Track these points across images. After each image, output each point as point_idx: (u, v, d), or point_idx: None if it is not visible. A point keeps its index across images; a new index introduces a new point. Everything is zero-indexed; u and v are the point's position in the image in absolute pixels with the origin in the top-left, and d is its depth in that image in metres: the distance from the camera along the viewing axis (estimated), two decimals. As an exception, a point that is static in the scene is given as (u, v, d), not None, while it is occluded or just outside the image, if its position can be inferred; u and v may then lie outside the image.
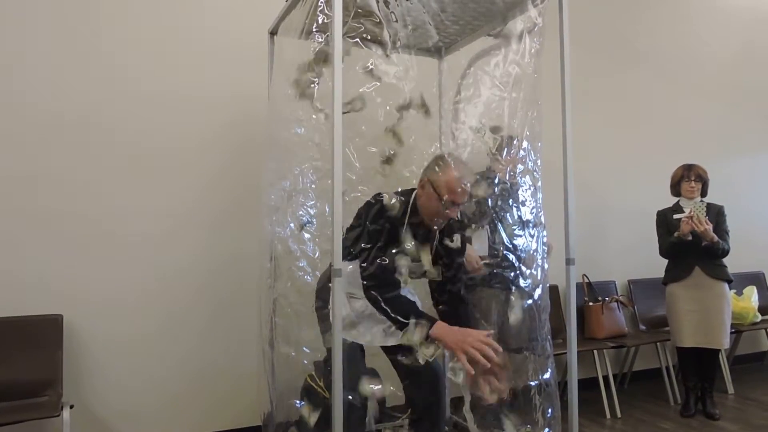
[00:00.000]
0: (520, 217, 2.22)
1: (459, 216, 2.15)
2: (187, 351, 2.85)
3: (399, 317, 1.96)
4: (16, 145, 2.59)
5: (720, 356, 3.56)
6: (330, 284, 2.17)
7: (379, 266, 2.00)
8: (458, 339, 1.88)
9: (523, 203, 2.24)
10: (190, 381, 2.85)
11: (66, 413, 2.30)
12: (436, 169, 2.06)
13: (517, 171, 2.19)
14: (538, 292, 2.23)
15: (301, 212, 2.29)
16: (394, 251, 2.03)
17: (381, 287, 2.00)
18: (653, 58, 4.30)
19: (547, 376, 2.19)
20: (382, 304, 1.98)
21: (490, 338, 1.92)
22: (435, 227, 2.14)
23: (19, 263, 2.57)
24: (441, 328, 1.92)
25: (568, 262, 2.18)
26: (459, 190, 2.01)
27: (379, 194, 2.11)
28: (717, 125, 4.53)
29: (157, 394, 2.78)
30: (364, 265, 2.02)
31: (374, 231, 2.01)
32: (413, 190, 2.17)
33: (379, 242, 2.02)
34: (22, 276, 2.57)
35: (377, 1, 2.00)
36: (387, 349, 2.25)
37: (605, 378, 3.45)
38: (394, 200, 2.06)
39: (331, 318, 2.10)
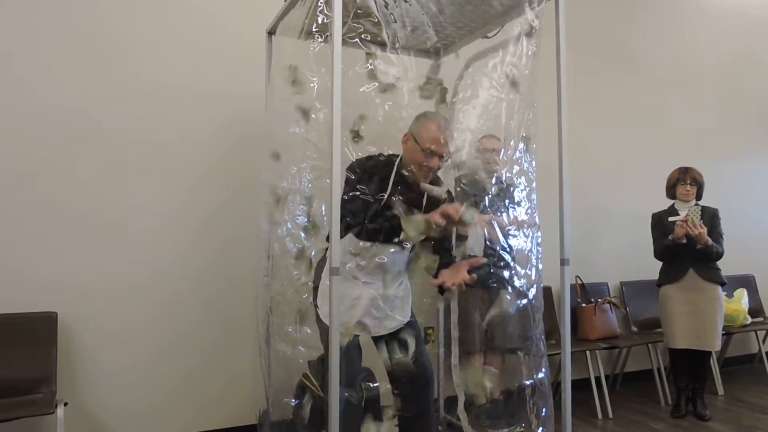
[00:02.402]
0: (516, 217, 2.24)
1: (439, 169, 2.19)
2: (183, 349, 2.84)
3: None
4: (11, 140, 2.58)
5: (711, 358, 3.59)
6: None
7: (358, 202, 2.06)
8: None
9: (519, 203, 2.26)
10: (185, 379, 2.84)
11: (60, 410, 2.29)
12: (417, 122, 2.14)
13: (513, 171, 2.22)
14: (532, 291, 2.25)
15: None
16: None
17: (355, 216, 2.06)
18: (648, 61, 4.34)
19: (541, 375, 2.22)
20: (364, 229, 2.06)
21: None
22: (422, 183, 2.16)
23: (13, 260, 2.56)
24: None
25: (563, 262, 2.20)
26: (439, 139, 2.09)
27: (368, 157, 2.14)
28: (710, 129, 4.58)
29: (152, 392, 2.77)
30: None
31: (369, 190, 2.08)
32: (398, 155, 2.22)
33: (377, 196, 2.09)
34: (17, 273, 2.56)
35: (376, 2, 2.02)
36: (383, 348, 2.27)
37: (597, 379, 3.47)
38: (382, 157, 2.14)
39: (328, 318, 2.12)
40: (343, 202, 1.97)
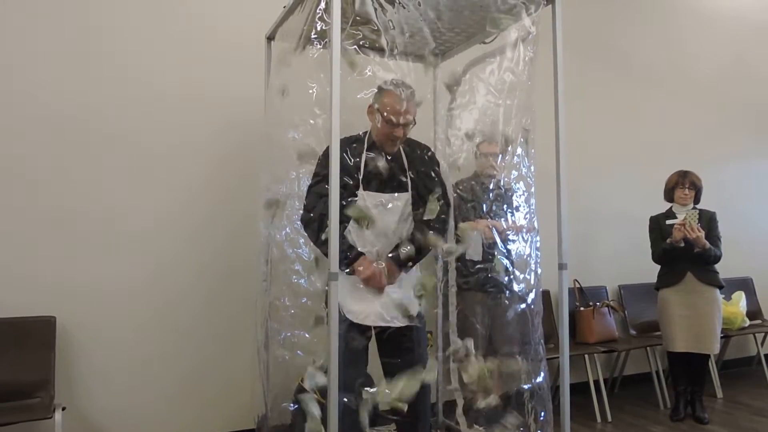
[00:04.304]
0: (514, 221, 2.25)
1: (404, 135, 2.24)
2: (181, 353, 2.84)
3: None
4: (11, 143, 2.58)
5: (709, 361, 3.60)
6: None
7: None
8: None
9: (517, 208, 2.27)
10: (183, 383, 2.84)
11: (58, 415, 2.29)
12: (379, 93, 2.19)
13: (512, 176, 2.23)
14: (531, 296, 2.26)
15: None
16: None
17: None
18: (645, 65, 4.35)
19: (540, 379, 2.22)
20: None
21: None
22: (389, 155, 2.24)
23: (12, 264, 2.55)
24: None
25: (561, 266, 2.20)
26: (398, 109, 2.15)
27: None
28: (707, 132, 4.59)
29: (150, 397, 2.77)
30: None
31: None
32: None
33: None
34: (16, 277, 2.56)
35: (375, 9, 2.03)
36: (380, 353, 2.28)
37: (596, 382, 3.47)
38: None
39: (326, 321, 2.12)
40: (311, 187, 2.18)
